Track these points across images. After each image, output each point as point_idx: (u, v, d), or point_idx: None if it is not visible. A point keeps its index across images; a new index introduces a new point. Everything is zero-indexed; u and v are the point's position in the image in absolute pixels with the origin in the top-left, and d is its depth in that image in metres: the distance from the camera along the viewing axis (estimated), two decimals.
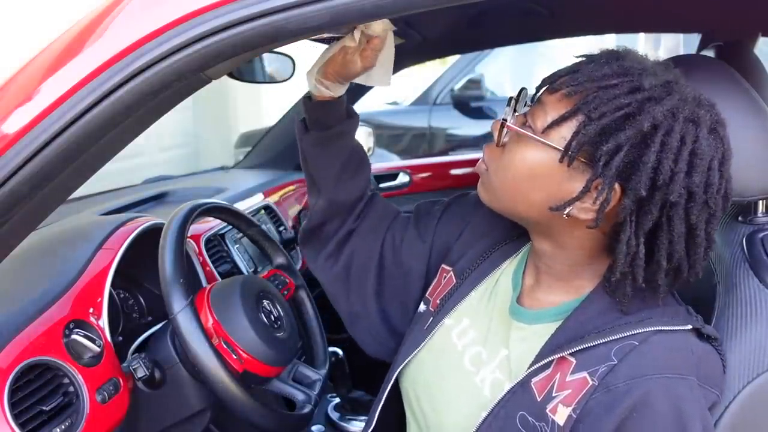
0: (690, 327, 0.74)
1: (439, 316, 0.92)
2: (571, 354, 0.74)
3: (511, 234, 0.93)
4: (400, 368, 0.92)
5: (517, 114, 0.79)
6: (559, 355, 0.75)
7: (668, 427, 0.68)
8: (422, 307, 0.98)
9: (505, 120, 0.78)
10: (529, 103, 0.81)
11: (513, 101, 0.80)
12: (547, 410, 0.74)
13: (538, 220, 0.79)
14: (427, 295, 0.98)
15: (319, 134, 0.97)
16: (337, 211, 1.01)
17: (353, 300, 1.03)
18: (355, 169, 1.00)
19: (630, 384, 0.70)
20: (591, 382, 0.72)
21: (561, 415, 0.72)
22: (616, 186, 0.71)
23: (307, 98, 0.98)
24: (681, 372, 0.71)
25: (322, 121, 0.97)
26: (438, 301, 0.94)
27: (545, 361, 0.76)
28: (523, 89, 0.82)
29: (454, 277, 0.95)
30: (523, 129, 0.76)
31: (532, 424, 0.75)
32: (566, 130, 0.73)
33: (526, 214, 0.79)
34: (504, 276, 0.91)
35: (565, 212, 0.74)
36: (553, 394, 0.74)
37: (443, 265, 0.98)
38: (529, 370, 0.77)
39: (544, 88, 0.77)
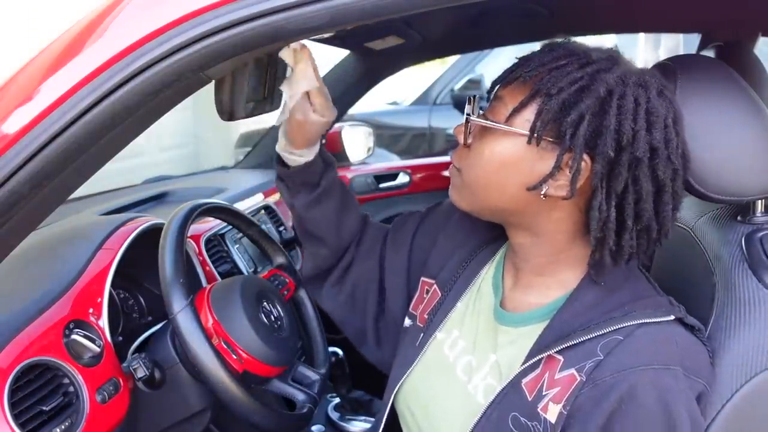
0: (672, 317, 0.75)
1: (430, 331, 0.91)
2: (557, 352, 0.76)
3: (486, 239, 0.94)
4: (396, 389, 0.91)
5: (474, 115, 0.81)
6: (546, 354, 0.76)
7: (655, 418, 0.70)
8: (407, 322, 0.98)
9: (469, 116, 0.80)
10: (484, 105, 0.84)
11: (471, 103, 0.82)
12: (539, 409, 0.75)
13: (515, 209, 0.80)
14: (411, 309, 0.99)
15: (311, 195, 0.99)
16: (344, 250, 1.05)
17: (357, 319, 1.06)
18: (348, 207, 1.03)
19: (616, 377, 0.71)
20: (579, 378, 0.73)
21: (552, 412, 0.74)
22: (585, 156, 0.74)
23: (283, 167, 0.99)
24: (666, 363, 0.72)
25: (309, 182, 0.98)
26: (426, 316, 0.94)
27: (533, 360, 0.77)
28: (474, 95, 0.84)
29: (438, 291, 0.95)
30: (486, 121, 0.79)
31: (525, 424, 0.75)
32: (529, 113, 0.76)
33: (503, 206, 0.80)
34: (485, 282, 0.92)
35: (543, 192, 0.76)
36: (544, 393, 0.75)
37: (423, 278, 0.99)
38: (519, 371, 0.78)
39: (498, 86, 0.81)
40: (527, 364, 0.77)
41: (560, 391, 0.74)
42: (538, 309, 0.83)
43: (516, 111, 0.76)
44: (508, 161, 0.77)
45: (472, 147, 0.81)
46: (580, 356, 0.74)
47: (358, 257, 1.05)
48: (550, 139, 0.75)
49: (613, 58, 0.76)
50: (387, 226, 1.09)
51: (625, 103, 0.72)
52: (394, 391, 0.91)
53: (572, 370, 0.74)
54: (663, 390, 0.70)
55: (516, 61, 0.80)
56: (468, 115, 0.81)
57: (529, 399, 0.76)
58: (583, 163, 0.74)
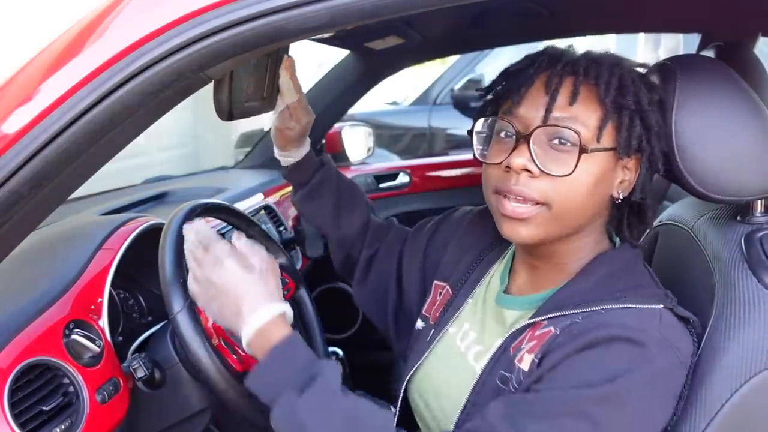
0: (661, 306, 0.78)
1: (441, 327, 0.95)
2: (544, 320, 0.81)
3: (493, 242, 0.98)
4: (406, 381, 0.94)
5: (529, 143, 0.78)
6: (534, 321, 0.82)
7: (608, 365, 0.72)
8: (420, 324, 1.01)
9: (584, 148, 0.76)
10: (510, 133, 0.80)
11: (514, 136, 0.79)
12: (515, 361, 0.80)
13: (588, 222, 0.83)
14: (423, 312, 1.02)
15: (303, 191, 1.13)
16: (349, 244, 1.14)
17: (381, 313, 1.12)
18: (350, 206, 1.13)
19: (591, 328, 0.75)
20: (554, 332, 0.78)
21: (526, 362, 0.79)
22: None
23: (283, 168, 1.14)
24: (643, 329, 0.74)
25: (302, 180, 1.12)
26: (438, 315, 0.98)
27: (521, 326, 0.82)
28: (535, 129, 0.79)
29: (450, 291, 0.99)
30: (568, 146, 0.77)
31: (505, 376, 0.80)
32: (611, 128, 0.79)
33: (583, 223, 0.82)
34: (494, 278, 0.95)
35: (621, 197, 0.82)
36: (522, 347, 0.81)
37: (436, 282, 1.03)
38: (507, 336, 0.83)
39: (550, 108, 0.78)
40: (515, 329, 0.83)
41: (536, 343, 0.79)
42: (542, 293, 0.86)
43: (602, 128, 0.78)
44: (600, 178, 0.79)
45: (565, 176, 0.77)
46: (562, 320, 0.79)
47: (379, 257, 1.12)
48: (635, 150, 0.80)
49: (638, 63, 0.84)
50: (408, 230, 1.15)
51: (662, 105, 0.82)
52: (405, 382, 0.94)
53: (550, 327, 0.79)
54: (634, 342, 0.72)
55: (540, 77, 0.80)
56: (582, 147, 0.77)
57: (511, 355, 0.81)
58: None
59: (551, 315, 0.80)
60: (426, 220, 1.13)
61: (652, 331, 0.74)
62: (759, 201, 0.87)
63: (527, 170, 0.77)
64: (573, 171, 0.77)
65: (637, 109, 0.79)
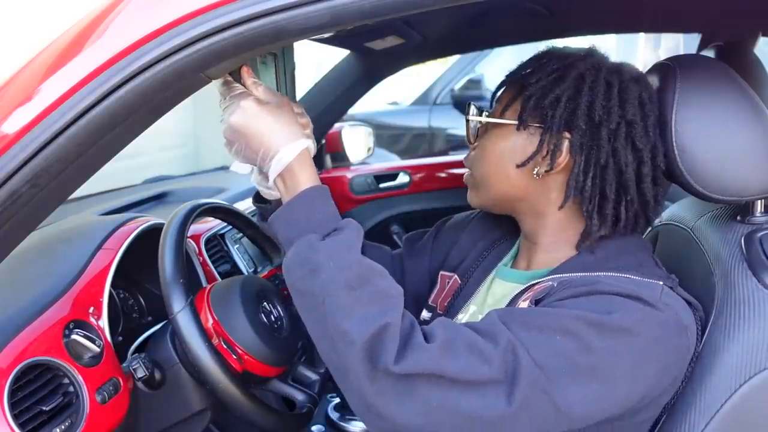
0: (661, 283, 0.78)
1: (450, 315, 0.96)
2: (541, 281, 0.84)
3: (504, 234, 1.01)
4: None
5: (479, 119, 0.93)
6: (532, 282, 0.85)
7: (619, 302, 0.73)
8: (426, 314, 1.01)
9: (468, 120, 0.92)
10: (487, 109, 0.95)
11: (472, 112, 0.94)
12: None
13: (518, 194, 0.89)
14: (430, 302, 1.02)
15: None
16: None
17: None
18: None
19: (588, 283, 0.77)
20: (551, 284, 0.81)
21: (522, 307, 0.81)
22: (566, 134, 0.83)
23: (262, 203, 0.98)
24: (640, 296, 0.74)
25: None
26: (446, 304, 0.99)
27: (528, 284, 0.85)
28: (469, 103, 0.94)
29: (458, 280, 1.00)
30: (480, 118, 0.91)
31: None
32: (517, 106, 0.87)
33: (508, 192, 0.89)
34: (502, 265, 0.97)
35: (535, 171, 0.85)
36: (521, 299, 0.83)
37: (442, 272, 1.04)
38: (512, 297, 0.86)
39: (497, 91, 0.93)
40: (521, 288, 0.85)
41: (533, 294, 0.82)
42: (539, 270, 0.88)
43: (507, 106, 0.88)
44: (504, 150, 0.88)
45: (477, 146, 0.93)
46: (559, 278, 0.82)
47: None
48: (536, 125, 0.85)
49: (589, 52, 0.86)
50: (386, 250, 1.12)
51: (597, 86, 0.81)
52: None
53: (548, 282, 0.82)
54: (634, 299, 0.73)
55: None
56: (468, 120, 0.92)
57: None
58: (566, 141, 0.83)
59: (553, 276, 0.83)
60: (418, 232, 1.13)
61: (654, 295, 0.75)
62: (759, 201, 0.87)
63: (470, 144, 0.95)
64: (475, 141, 0.93)
65: (536, 83, 0.83)
